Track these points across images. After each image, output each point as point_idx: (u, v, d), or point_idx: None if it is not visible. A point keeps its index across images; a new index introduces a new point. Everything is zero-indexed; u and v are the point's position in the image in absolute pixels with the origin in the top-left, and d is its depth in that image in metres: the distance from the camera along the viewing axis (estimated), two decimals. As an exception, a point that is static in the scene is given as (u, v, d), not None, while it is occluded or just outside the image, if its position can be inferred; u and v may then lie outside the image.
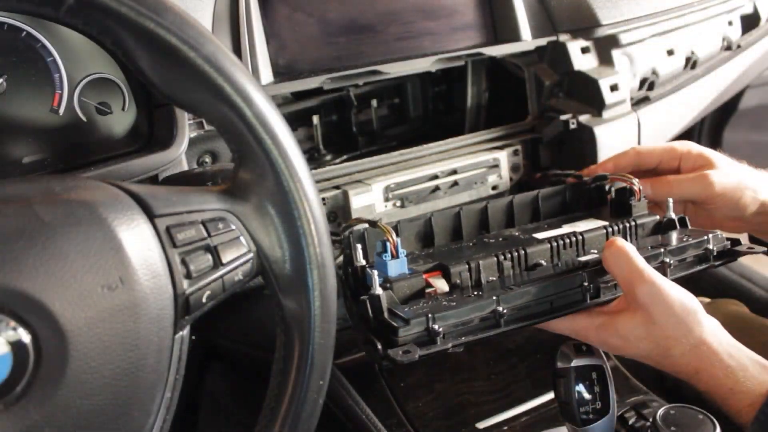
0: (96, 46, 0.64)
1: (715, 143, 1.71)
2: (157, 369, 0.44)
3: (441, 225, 0.75)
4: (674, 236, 0.71)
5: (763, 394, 0.56)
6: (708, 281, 1.35)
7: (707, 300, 1.00)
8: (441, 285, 0.64)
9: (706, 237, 0.69)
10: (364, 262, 0.67)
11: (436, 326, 0.57)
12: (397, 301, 0.62)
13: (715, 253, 0.69)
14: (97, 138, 0.66)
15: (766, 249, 0.70)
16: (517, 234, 0.74)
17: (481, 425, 0.79)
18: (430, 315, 0.57)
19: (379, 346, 0.57)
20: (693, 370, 0.60)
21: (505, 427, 0.79)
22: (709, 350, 0.59)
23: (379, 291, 0.60)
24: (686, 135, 1.63)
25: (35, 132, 0.63)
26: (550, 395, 0.82)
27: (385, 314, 0.59)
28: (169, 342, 0.45)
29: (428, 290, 0.64)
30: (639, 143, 1.01)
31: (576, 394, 0.62)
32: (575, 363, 0.62)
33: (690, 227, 0.73)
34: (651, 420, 0.72)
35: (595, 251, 0.69)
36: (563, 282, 0.63)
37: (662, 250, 0.67)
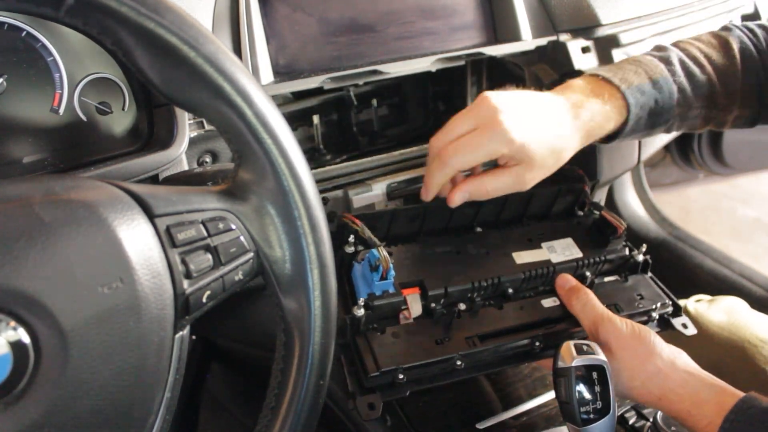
0: (96, 46, 0.64)
1: (715, 143, 1.71)
2: (157, 369, 0.44)
3: (434, 215, 0.77)
4: (629, 289, 0.79)
5: (720, 414, 0.59)
6: (707, 280, 1.35)
7: (708, 297, 1.00)
8: (415, 309, 0.70)
9: (654, 306, 0.77)
10: (353, 249, 0.70)
11: (401, 376, 0.65)
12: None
13: (656, 319, 0.78)
14: (97, 138, 0.66)
15: (696, 332, 0.77)
16: (498, 244, 0.78)
17: (481, 425, 0.79)
18: (399, 367, 0.65)
19: (350, 388, 0.64)
20: (656, 398, 0.65)
21: (505, 427, 0.79)
22: (665, 379, 0.64)
23: (360, 312, 0.66)
24: (686, 134, 1.63)
25: (35, 132, 0.63)
26: (550, 395, 0.82)
27: (361, 336, 0.67)
28: (169, 342, 0.45)
29: (403, 309, 0.70)
30: (638, 142, 1.01)
31: (576, 394, 0.62)
32: (576, 363, 0.62)
33: (650, 274, 0.81)
34: (651, 420, 0.73)
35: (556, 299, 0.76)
36: (519, 341, 0.70)
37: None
